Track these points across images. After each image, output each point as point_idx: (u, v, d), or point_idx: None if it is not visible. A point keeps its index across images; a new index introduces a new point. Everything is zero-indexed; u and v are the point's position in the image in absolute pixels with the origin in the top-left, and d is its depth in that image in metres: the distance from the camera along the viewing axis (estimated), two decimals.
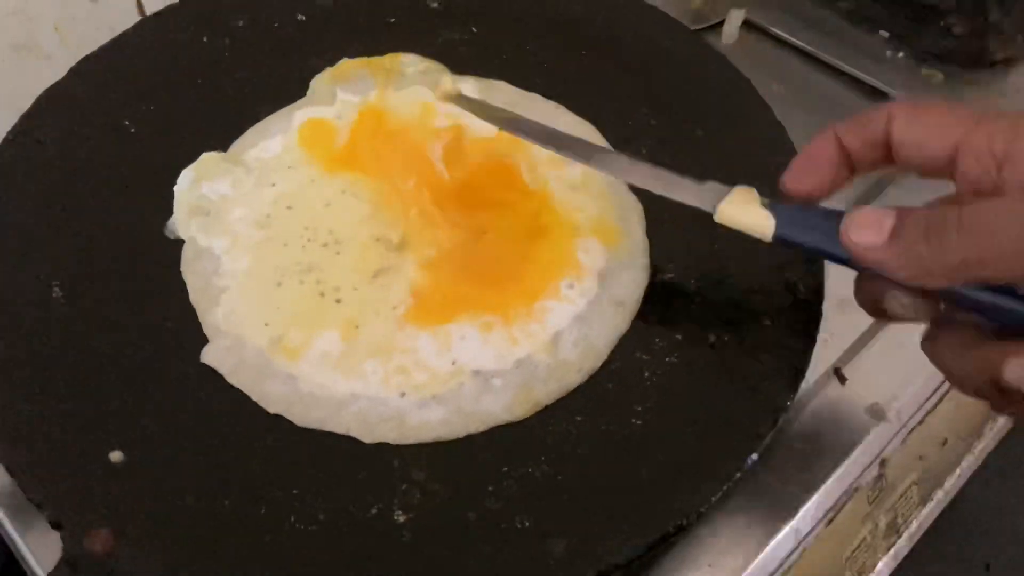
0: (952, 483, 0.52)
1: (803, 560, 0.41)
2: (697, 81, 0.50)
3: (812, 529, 0.41)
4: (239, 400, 0.39)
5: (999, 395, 0.30)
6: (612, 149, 0.42)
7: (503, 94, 0.49)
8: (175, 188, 0.45)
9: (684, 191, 0.37)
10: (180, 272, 0.43)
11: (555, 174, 0.46)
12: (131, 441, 0.37)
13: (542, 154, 0.47)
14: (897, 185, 0.52)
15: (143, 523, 0.35)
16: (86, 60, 0.50)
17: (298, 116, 0.48)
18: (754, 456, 0.36)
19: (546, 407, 0.39)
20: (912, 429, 0.46)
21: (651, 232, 0.45)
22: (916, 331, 0.45)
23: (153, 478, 0.36)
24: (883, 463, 0.44)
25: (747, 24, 0.60)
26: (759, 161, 0.46)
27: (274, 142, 0.47)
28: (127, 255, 0.43)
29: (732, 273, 0.43)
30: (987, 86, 0.58)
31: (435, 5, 0.53)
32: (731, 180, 0.45)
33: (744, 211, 0.35)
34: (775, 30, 0.60)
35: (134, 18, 0.57)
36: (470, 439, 0.38)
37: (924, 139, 0.32)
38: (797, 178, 0.35)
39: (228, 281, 0.42)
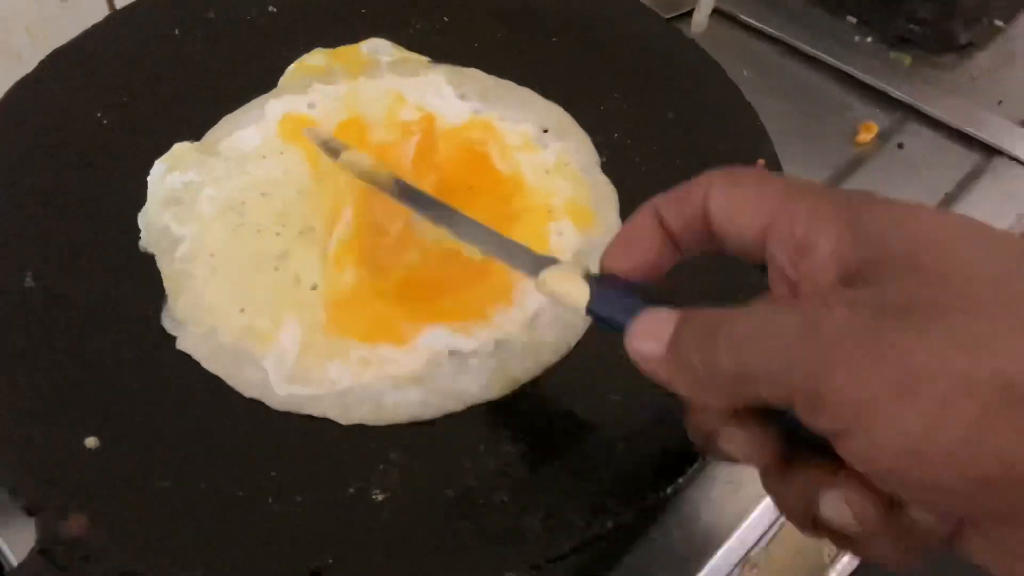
0: None
1: (782, 534, 0.41)
2: (668, 66, 0.50)
3: None
4: (215, 384, 0.39)
5: (829, 531, 0.27)
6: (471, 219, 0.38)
7: (476, 81, 0.50)
8: (148, 178, 0.45)
9: (517, 257, 0.35)
10: (154, 260, 0.43)
11: (528, 159, 0.46)
12: (106, 427, 0.37)
13: (514, 140, 0.47)
14: (865, 169, 0.53)
15: (119, 507, 0.35)
16: (56, 53, 0.49)
17: (271, 106, 0.48)
18: None
19: (523, 385, 0.39)
20: None
21: (625, 215, 0.45)
22: None
23: (129, 463, 0.36)
24: None
25: (717, 12, 0.61)
26: (730, 142, 0.46)
27: (248, 132, 0.47)
28: (101, 244, 0.43)
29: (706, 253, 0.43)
30: (953, 69, 0.58)
31: None
32: (703, 160, 0.46)
33: (563, 281, 0.32)
34: (745, 17, 0.61)
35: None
36: (447, 418, 0.38)
37: (736, 218, 0.28)
38: (615, 256, 0.31)
39: (202, 268, 0.42)
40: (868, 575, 0.44)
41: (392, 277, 0.41)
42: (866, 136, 0.54)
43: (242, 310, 0.41)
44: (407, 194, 0.40)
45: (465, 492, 0.36)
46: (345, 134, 0.46)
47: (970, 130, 0.54)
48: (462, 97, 0.49)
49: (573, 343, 0.40)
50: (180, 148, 0.46)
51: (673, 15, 0.60)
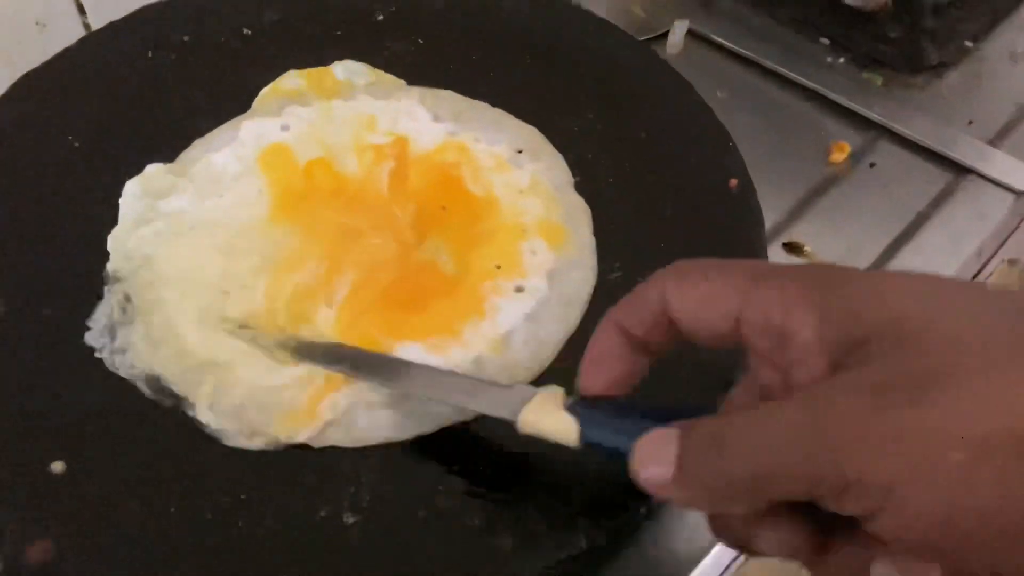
0: None
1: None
2: (640, 86, 0.50)
3: None
4: (182, 408, 0.38)
5: None
6: (426, 366, 0.39)
7: (450, 103, 0.50)
8: (120, 200, 0.45)
9: (488, 399, 0.34)
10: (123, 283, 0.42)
11: (502, 179, 0.46)
12: (72, 451, 0.37)
13: (488, 161, 0.47)
14: (838, 188, 0.53)
15: (86, 532, 0.34)
16: (28, 76, 0.49)
17: (245, 128, 0.48)
18: None
19: None
20: None
21: (598, 233, 0.45)
22: None
23: (96, 487, 0.36)
24: None
25: (692, 34, 0.61)
26: (702, 161, 0.46)
27: (221, 155, 0.47)
28: (71, 268, 0.43)
29: None
30: (924, 89, 0.59)
31: (380, 17, 0.54)
32: (676, 182, 0.46)
33: (546, 418, 0.31)
34: (719, 39, 0.61)
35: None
36: (420, 439, 0.38)
37: (701, 314, 0.28)
38: (589, 379, 0.31)
39: (172, 291, 0.42)
40: None
41: (367, 295, 0.41)
42: (839, 156, 0.55)
43: (210, 334, 0.41)
44: (352, 365, 0.39)
45: (437, 514, 0.35)
46: (313, 173, 0.46)
47: (941, 149, 0.54)
48: (436, 119, 0.49)
49: (547, 363, 0.40)
50: (153, 170, 0.46)
51: (648, 37, 0.60)
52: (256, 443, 0.38)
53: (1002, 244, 0.53)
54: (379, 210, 0.44)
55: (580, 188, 0.47)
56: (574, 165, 0.47)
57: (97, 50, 0.51)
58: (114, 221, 0.44)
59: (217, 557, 0.34)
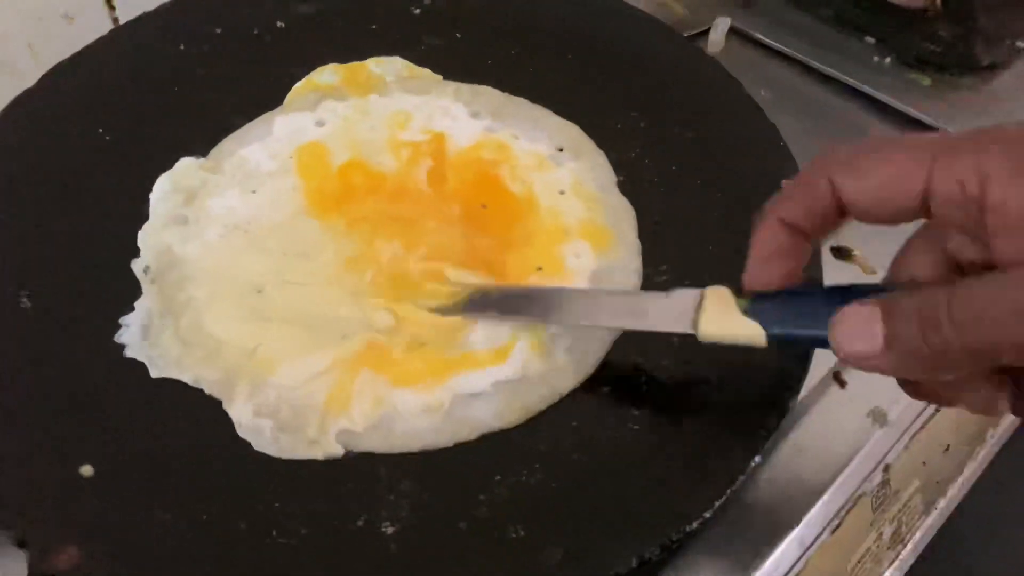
0: (955, 491, 0.50)
1: (807, 570, 0.40)
2: (686, 84, 0.49)
3: (817, 538, 0.39)
4: (216, 410, 0.37)
5: None
6: (577, 290, 0.40)
7: (488, 99, 0.48)
8: (151, 196, 0.44)
9: (657, 316, 0.34)
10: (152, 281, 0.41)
11: (542, 179, 0.45)
12: (102, 454, 0.35)
13: (528, 159, 0.46)
14: None
15: (115, 539, 0.33)
16: (58, 67, 0.48)
17: (278, 123, 0.47)
18: (757, 458, 0.35)
19: (539, 413, 0.37)
20: (914, 434, 0.44)
21: (643, 235, 0.43)
22: None
23: (126, 492, 0.34)
24: (886, 468, 0.43)
25: (734, 31, 0.60)
26: (752, 162, 0.45)
27: (254, 150, 0.46)
28: (99, 265, 0.41)
29: (728, 273, 0.41)
30: (975, 90, 0.57)
31: (417, 11, 0.52)
32: (724, 181, 0.45)
33: (728, 324, 0.32)
34: (762, 37, 0.59)
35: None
36: (460, 447, 0.37)
37: (884, 195, 0.28)
38: (760, 278, 0.32)
39: (204, 289, 0.41)
40: None
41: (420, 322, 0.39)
42: None
43: (244, 332, 0.39)
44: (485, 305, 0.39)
45: (479, 525, 0.34)
46: (348, 175, 0.45)
47: None
48: (474, 115, 0.48)
49: (591, 370, 0.39)
50: (184, 165, 0.45)
51: (689, 34, 0.59)
52: (292, 443, 0.36)
53: None
54: (425, 203, 0.43)
55: (623, 188, 0.45)
56: (617, 164, 0.46)
57: (128, 42, 0.50)
58: (145, 217, 0.43)
59: (251, 568, 0.33)
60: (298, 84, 0.49)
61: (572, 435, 0.37)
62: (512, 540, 0.33)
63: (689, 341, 0.38)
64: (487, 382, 0.38)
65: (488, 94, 0.49)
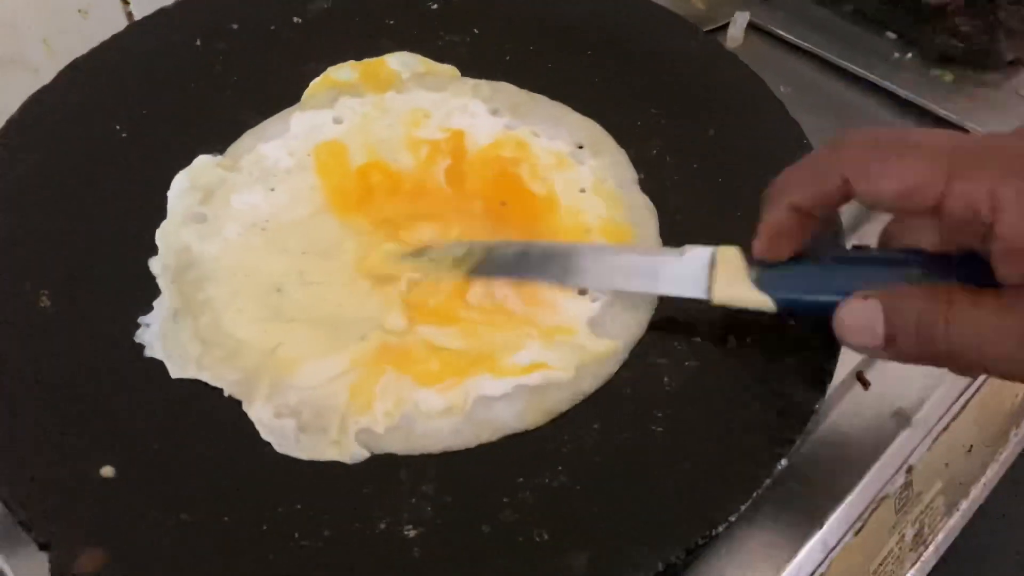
0: (977, 492, 0.50)
1: (831, 572, 0.39)
2: (706, 80, 0.48)
3: (840, 540, 0.39)
4: (236, 411, 0.37)
5: None
6: (594, 248, 0.41)
7: (507, 95, 0.48)
8: (168, 193, 0.44)
9: (670, 280, 0.37)
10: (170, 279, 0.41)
11: (563, 176, 0.45)
12: (123, 456, 0.35)
13: (548, 157, 0.45)
14: None
15: (137, 541, 0.33)
16: (75, 64, 0.48)
17: (296, 119, 0.47)
18: (783, 461, 0.34)
19: (561, 415, 0.37)
20: (937, 436, 0.44)
21: (664, 232, 0.43)
22: None
23: (147, 494, 0.34)
24: (910, 470, 0.43)
25: (753, 26, 0.59)
26: (775, 160, 0.44)
27: (272, 147, 0.46)
28: (119, 263, 0.41)
29: None
30: (998, 86, 0.57)
31: (435, 6, 0.52)
32: (746, 181, 0.44)
33: (740, 292, 0.35)
34: (781, 32, 0.59)
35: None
36: (481, 449, 0.36)
37: (896, 201, 0.30)
38: (768, 253, 0.34)
39: (223, 288, 0.40)
40: None
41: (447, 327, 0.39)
42: None
43: (264, 331, 0.39)
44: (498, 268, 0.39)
45: (503, 528, 0.34)
46: (368, 174, 0.44)
47: None
48: (493, 112, 0.47)
49: (613, 371, 0.38)
50: (202, 162, 0.45)
51: (708, 29, 0.58)
52: (314, 444, 0.36)
53: None
54: (445, 202, 0.43)
55: (644, 186, 0.45)
56: (637, 162, 0.45)
57: (145, 38, 0.50)
58: (163, 215, 0.43)
59: (274, 570, 0.33)
60: (315, 81, 0.48)
61: (594, 437, 0.36)
62: (536, 544, 0.33)
63: (712, 340, 0.38)
64: (509, 384, 0.37)
65: (507, 91, 0.48)
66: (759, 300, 0.35)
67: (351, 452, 0.36)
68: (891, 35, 0.59)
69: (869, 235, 0.48)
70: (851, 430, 0.41)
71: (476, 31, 0.51)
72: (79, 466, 0.35)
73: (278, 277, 0.41)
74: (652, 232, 0.43)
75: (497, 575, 0.33)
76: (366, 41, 0.50)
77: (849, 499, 0.39)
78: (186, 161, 0.45)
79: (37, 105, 0.46)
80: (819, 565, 0.39)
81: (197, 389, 0.38)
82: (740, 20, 0.59)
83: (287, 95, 0.48)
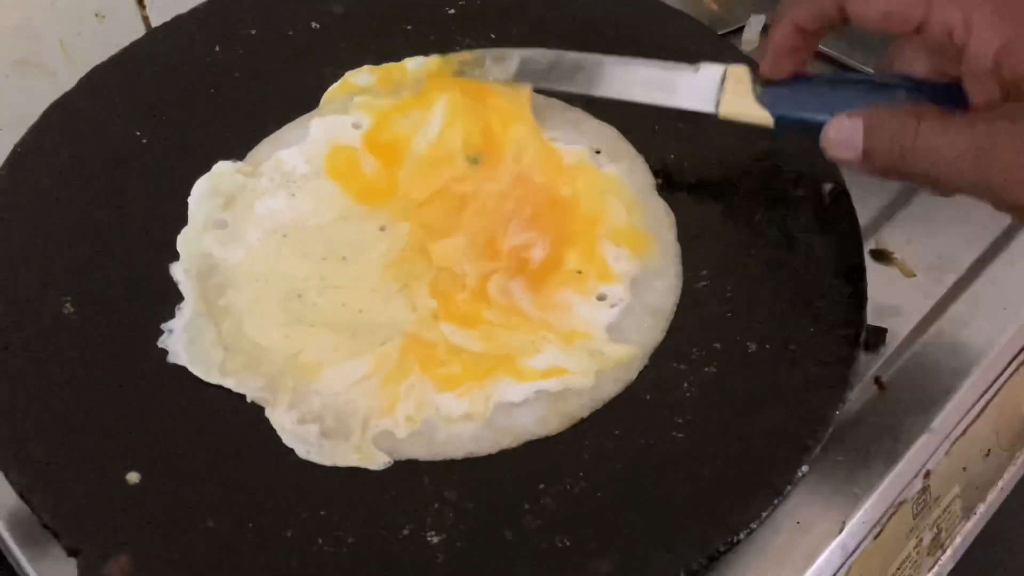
0: (994, 496, 0.50)
1: (857, 566, 0.40)
2: None
3: (859, 545, 0.39)
4: (260, 416, 0.37)
5: None
6: (618, 60, 0.43)
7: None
8: (189, 199, 0.44)
9: (684, 93, 0.41)
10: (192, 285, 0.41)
11: (583, 180, 0.45)
12: (148, 461, 0.35)
13: (570, 159, 0.46)
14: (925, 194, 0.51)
15: (163, 547, 0.33)
16: (95, 71, 0.48)
17: (315, 125, 0.47)
18: (805, 468, 0.35)
19: (581, 420, 0.37)
20: (955, 440, 0.44)
21: (682, 238, 0.43)
22: (958, 338, 0.44)
23: (172, 500, 0.35)
24: (927, 475, 0.43)
25: (767, 29, 0.59)
26: (795, 165, 0.44)
27: (291, 152, 0.46)
28: (141, 269, 0.42)
29: (769, 279, 0.41)
30: None
31: (451, 11, 0.52)
32: (765, 184, 0.44)
33: (744, 107, 0.39)
34: None
35: (140, 35, 0.56)
36: (503, 455, 0.36)
37: (884, 23, 0.33)
38: (774, 69, 0.38)
39: (244, 294, 0.41)
40: None
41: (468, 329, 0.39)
42: None
43: (286, 337, 0.40)
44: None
45: (525, 535, 0.34)
46: (384, 180, 0.45)
47: None
48: None
49: (633, 377, 0.39)
50: (222, 168, 0.45)
51: (723, 32, 0.58)
52: (337, 450, 0.36)
53: None
54: (465, 206, 0.43)
55: (662, 191, 0.45)
56: (655, 167, 0.45)
57: (164, 44, 0.50)
58: (184, 221, 0.43)
59: None
60: (334, 86, 0.49)
61: (615, 443, 0.37)
62: (559, 550, 0.33)
63: (732, 346, 0.39)
64: (530, 389, 0.38)
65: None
66: (760, 115, 0.39)
67: (374, 458, 0.36)
68: None
69: (888, 238, 0.48)
70: (868, 435, 0.41)
71: (493, 35, 0.51)
72: (105, 473, 0.35)
73: (299, 282, 0.41)
74: (670, 236, 0.43)
75: None
76: (384, 46, 0.50)
77: (868, 504, 0.39)
78: (206, 167, 0.45)
79: (58, 112, 0.46)
80: (839, 569, 0.39)
81: (220, 395, 0.38)
82: (755, 23, 0.59)
83: (306, 100, 0.48)
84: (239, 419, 0.37)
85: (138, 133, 0.46)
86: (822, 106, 0.36)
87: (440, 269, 0.41)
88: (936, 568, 0.47)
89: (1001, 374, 0.45)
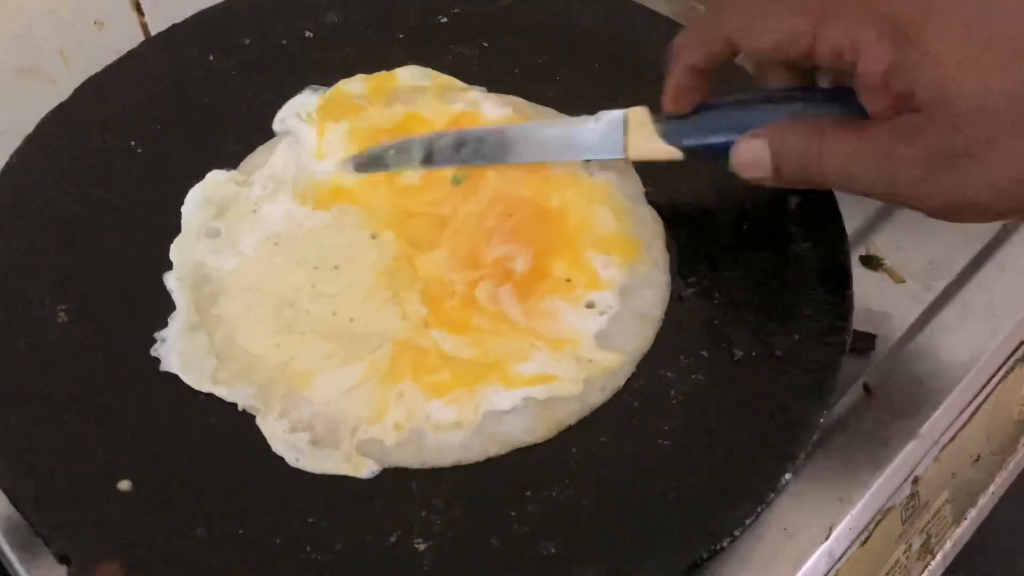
0: (985, 501, 0.50)
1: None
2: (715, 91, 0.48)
3: (846, 551, 0.40)
4: (251, 425, 0.38)
5: None
6: (519, 128, 0.45)
7: (517, 108, 0.48)
8: (183, 208, 0.44)
9: (589, 145, 0.42)
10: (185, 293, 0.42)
11: (572, 190, 0.45)
12: (140, 469, 0.36)
13: (559, 169, 0.46)
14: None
15: (153, 555, 0.34)
16: (91, 80, 0.49)
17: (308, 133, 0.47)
18: (788, 475, 0.35)
19: (569, 428, 0.38)
20: (944, 446, 0.44)
21: (671, 246, 0.43)
22: (947, 344, 0.44)
23: (163, 507, 0.35)
24: (916, 481, 0.43)
25: None
26: None
27: (283, 160, 0.46)
28: (135, 278, 0.42)
29: (757, 287, 0.41)
30: None
31: (444, 20, 0.52)
32: (753, 194, 0.44)
33: (651, 147, 0.40)
34: None
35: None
36: (490, 462, 0.37)
37: (775, 55, 0.35)
38: (676, 106, 0.39)
39: (237, 303, 0.41)
40: None
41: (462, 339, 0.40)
42: None
43: (277, 345, 0.40)
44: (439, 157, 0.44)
45: (512, 542, 0.34)
46: (374, 187, 0.45)
47: None
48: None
49: (621, 383, 0.39)
50: (215, 177, 0.45)
51: None
52: (326, 459, 0.37)
53: None
54: (453, 214, 0.43)
55: (651, 198, 0.45)
56: (645, 174, 0.46)
57: (159, 53, 0.50)
58: (178, 229, 0.44)
59: None
60: (327, 94, 0.49)
61: (602, 450, 0.37)
62: (544, 557, 0.34)
63: (718, 354, 0.39)
64: (518, 397, 0.38)
65: (516, 103, 0.48)
66: (668, 151, 0.40)
67: (363, 467, 0.36)
68: None
69: (878, 244, 0.48)
70: (856, 441, 0.41)
71: (485, 44, 0.51)
72: (97, 480, 0.36)
73: (292, 291, 0.41)
74: (659, 244, 0.43)
75: None
76: (377, 55, 0.50)
77: (855, 510, 0.39)
78: (200, 176, 0.45)
79: (54, 121, 0.47)
80: (826, 575, 0.39)
81: (212, 403, 0.38)
82: None
83: None
84: (230, 427, 0.38)
85: (133, 143, 0.47)
86: (727, 128, 0.38)
87: (428, 280, 0.41)
88: (926, 573, 0.47)
89: (990, 380, 0.46)
